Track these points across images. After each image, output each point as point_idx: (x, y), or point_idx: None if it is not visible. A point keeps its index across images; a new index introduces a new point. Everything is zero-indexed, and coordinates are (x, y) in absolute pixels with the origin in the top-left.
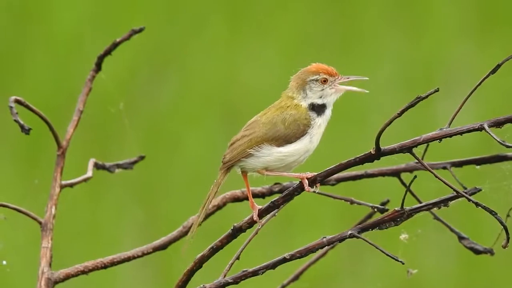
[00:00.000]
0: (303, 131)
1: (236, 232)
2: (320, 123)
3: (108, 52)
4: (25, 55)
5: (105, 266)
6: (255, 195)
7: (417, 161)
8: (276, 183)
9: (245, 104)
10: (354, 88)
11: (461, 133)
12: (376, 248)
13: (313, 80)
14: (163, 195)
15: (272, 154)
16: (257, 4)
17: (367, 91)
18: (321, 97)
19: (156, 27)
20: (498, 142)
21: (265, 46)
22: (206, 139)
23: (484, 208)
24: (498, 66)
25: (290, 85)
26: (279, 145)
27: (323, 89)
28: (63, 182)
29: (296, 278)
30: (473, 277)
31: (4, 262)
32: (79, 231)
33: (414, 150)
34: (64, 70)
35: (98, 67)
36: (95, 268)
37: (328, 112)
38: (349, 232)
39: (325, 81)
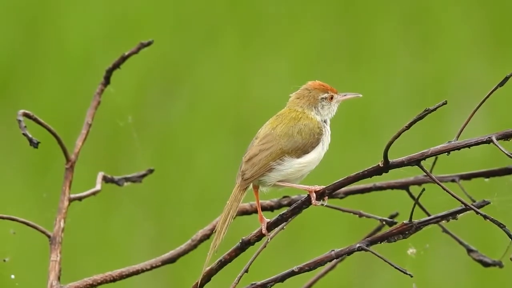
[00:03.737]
0: (318, 140)
1: (245, 245)
2: (329, 130)
3: (116, 66)
4: (36, 68)
5: (113, 280)
6: (264, 208)
7: (425, 174)
8: (284, 196)
9: (257, 119)
10: (350, 95)
11: (469, 145)
12: (385, 261)
13: (323, 98)
14: (174, 210)
15: (292, 166)
16: (268, 20)
17: (361, 95)
18: (329, 113)
19: (167, 41)
20: (506, 154)
21: (276, 61)
22: (217, 154)
23: (492, 220)
24: (506, 78)
25: (297, 103)
26: (298, 156)
27: (330, 106)
28: (72, 196)
29: None
30: None
31: (12, 276)
32: (91, 245)
33: (424, 163)
34: (75, 84)
35: (107, 80)
36: (104, 282)
37: (328, 124)
38: (358, 245)
39: (332, 98)
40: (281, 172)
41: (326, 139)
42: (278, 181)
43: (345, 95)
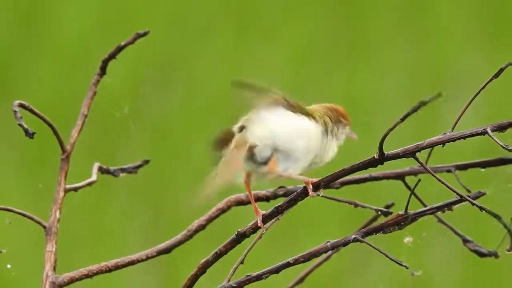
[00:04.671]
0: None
1: (240, 237)
2: (333, 146)
3: (112, 56)
4: (31, 59)
5: (109, 270)
6: (260, 199)
7: (420, 165)
8: (280, 187)
9: None
10: (352, 135)
11: (464, 137)
12: (380, 252)
13: (341, 122)
14: (170, 200)
15: (284, 116)
16: (264, 12)
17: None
18: (337, 139)
19: (163, 32)
20: (501, 146)
21: (272, 54)
22: None
23: (488, 212)
24: (501, 70)
25: (325, 112)
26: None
27: (342, 133)
28: (67, 186)
29: (300, 281)
30: (479, 280)
31: (9, 266)
32: (86, 236)
33: (419, 154)
34: (70, 75)
35: (103, 71)
36: (99, 272)
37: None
38: (353, 236)
39: (345, 125)
40: (270, 122)
41: (327, 140)
42: (273, 161)
43: (350, 133)
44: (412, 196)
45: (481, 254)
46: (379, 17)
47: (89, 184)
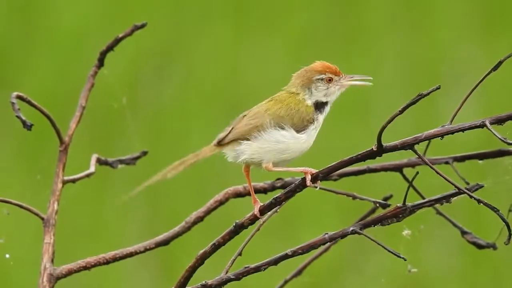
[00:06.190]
0: (304, 127)
1: (238, 228)
2: (321, 121)
3: (110, 48)
4: (29, 51)
5: (107, 262)
6: (257, 191)
7: (419, 157)
8: (278, 179)
9: (249, 101)
10: (358, 82)
11: (462, 130)
12: (378, 244)
13: (319, 79)
14: (167, 192)
15: (273, 135)
16: (261, 2)
17: (370, 84)
18: (325, 95)
19: (161, 22)
20: (500, 139)
21: (269, 43)
22: (209, 136)
23: (486, 204)
24: (500, 62)
25: (293, 83)
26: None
27: (328, 88)
28: (66, 178)
29: (298, 273)
30: (476, 272)
31: (7, 256)
32: (84, 228)
33: (417, 146)
34: (67, 66)
35: (101, 62)
36: (97, 264)
37: (328, 108)
38: (351, 228)
39: (330, 80)
40: (260, 139)
41: (314, 132)
42: (268, 164)
43: (351, 78)
44: (411, 188)
45: (480, 246)
46: (375, 6)
47: (88, 175)
